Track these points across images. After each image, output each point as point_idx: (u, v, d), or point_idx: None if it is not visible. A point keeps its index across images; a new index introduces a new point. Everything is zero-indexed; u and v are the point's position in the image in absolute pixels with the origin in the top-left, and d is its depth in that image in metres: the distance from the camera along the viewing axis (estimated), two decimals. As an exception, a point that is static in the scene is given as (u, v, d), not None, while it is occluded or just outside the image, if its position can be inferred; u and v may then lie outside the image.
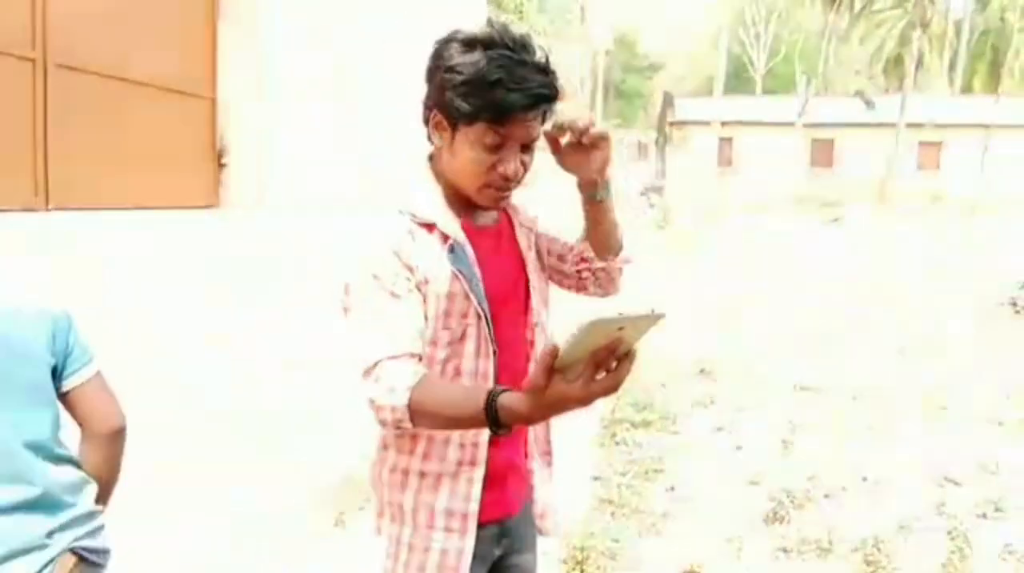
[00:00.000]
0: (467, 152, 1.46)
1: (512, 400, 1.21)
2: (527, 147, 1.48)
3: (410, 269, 1.45)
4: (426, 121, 1.53)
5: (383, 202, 1.60)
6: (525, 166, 1.50)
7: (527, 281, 1.63)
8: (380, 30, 3.90)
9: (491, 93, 1.40)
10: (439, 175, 1.55)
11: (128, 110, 2.83)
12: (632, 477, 4.25)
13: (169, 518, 2.74)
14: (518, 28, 1.58)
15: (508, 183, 1.48)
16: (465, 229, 1.53)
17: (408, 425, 1.35)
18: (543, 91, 1.43)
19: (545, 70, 1.45)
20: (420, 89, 1.52)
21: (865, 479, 4.30)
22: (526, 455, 1.72)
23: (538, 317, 1.63)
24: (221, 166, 3.24)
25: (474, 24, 1.63)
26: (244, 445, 3.12)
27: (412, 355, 1.40)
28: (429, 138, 1.56)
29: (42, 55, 2.46)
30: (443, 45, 1.48)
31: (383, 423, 1.38)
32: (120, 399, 1.74)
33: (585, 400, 1.13)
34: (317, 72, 3.52)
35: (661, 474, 4.34)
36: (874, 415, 5.47)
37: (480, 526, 1.57)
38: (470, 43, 1.45)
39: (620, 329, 1.07)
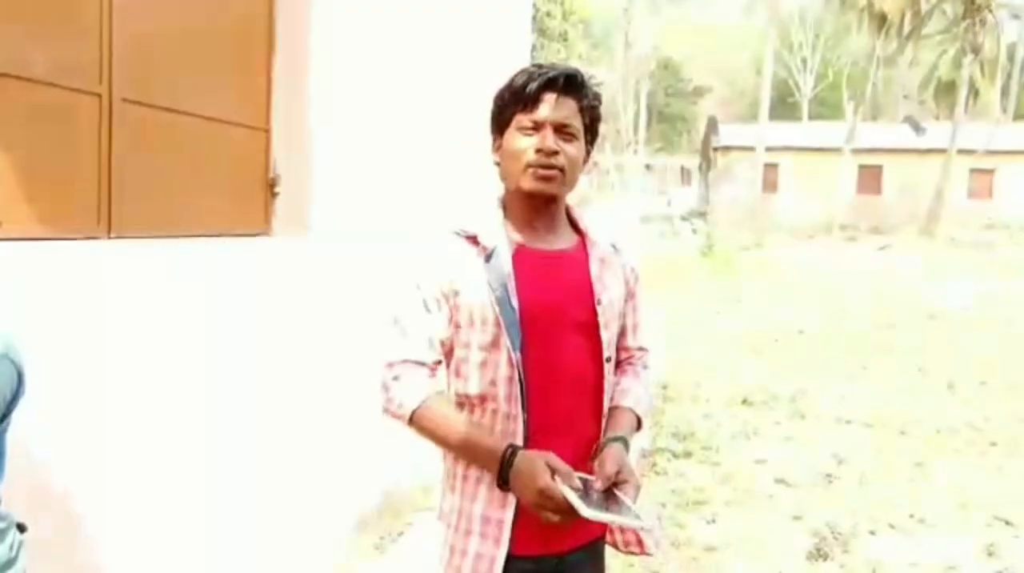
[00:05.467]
0: (511, 146, 1.62)
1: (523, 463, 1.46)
2: (566, 135, 1.60)
3: (444, 283, 1.59)
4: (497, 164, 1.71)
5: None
6: (566, 154, 1.60)
7: (595, 310, 1.64)
8: (428, 62, 3.99)
9: (516, 87, 1.61)
10: (505, 202, 1.70)
11: (188, 142, 2.94)
12: (673, 508, 4.23)
13: (210, 542, 2.81)
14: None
15: (547, 160, 1.59)
16: (520, 248, 1.62)
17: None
18: (559, 73, 1.60)
19: (567, 69, 1.62)
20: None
21: (912, 516, 4.23)
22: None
23: (609, 350, 1.66)
24: (273, 195, 3.33)
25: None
26: (286, 469, 3.18)
27: (421, 363, 1.58)
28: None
29: (108, 90, 2.57)
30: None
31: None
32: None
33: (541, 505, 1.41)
34: (366, 105, 3.62)
35: (702, 506, 4.31)
36: (922, 450, 5.37)
37: (515, 557, 1.56)
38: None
39: None
